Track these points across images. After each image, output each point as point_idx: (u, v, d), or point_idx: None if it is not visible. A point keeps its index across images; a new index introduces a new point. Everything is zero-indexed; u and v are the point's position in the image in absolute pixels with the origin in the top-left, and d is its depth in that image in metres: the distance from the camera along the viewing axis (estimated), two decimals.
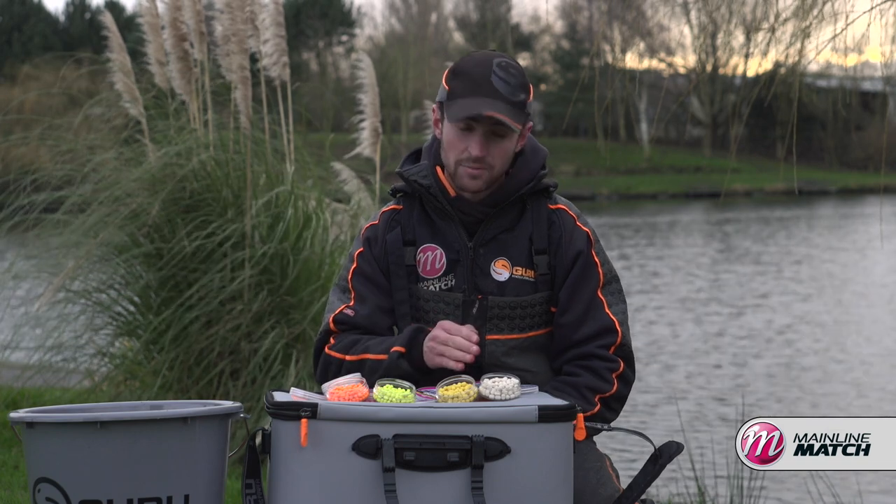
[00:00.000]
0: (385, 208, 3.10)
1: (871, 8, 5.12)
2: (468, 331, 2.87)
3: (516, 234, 3.01)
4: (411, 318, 3.01)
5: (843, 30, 5.16)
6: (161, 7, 6.85)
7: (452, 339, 2.85)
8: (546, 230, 3.00)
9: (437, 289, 3.00)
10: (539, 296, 2.99)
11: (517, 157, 3.03)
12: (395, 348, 2.91)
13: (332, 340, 3.02)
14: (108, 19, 7.06)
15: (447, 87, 2.97)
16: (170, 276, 6.31)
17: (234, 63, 6.47)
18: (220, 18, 6.53)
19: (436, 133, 3.04)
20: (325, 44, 56.50)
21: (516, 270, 3.00)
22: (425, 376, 2.88)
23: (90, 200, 6.63)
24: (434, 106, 3.03)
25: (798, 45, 5.29)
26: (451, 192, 3.00)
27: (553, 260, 3.00)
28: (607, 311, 2.99)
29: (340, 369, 2.95)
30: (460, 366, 2.83)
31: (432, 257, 3.01)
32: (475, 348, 2.85)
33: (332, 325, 3.02)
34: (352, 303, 3.03)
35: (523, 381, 2.82)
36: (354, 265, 3.05)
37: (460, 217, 3.00)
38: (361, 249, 3.06)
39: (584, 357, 2.97)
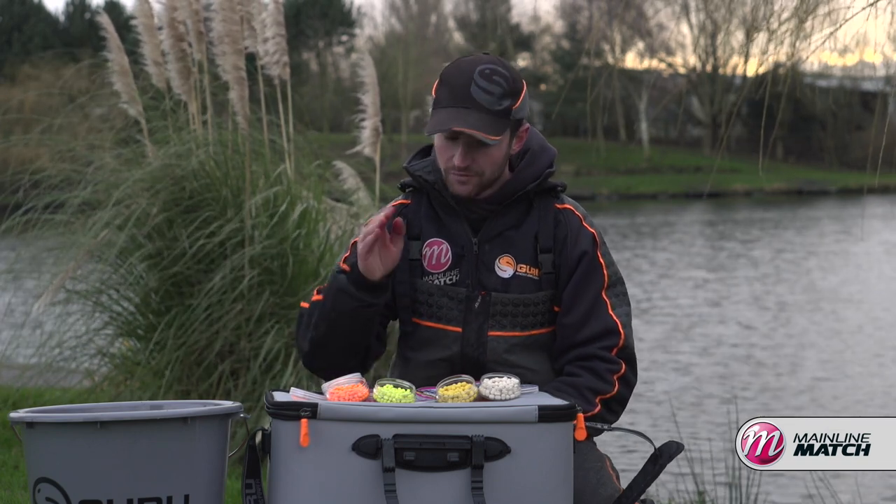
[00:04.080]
0: (394, 203, 3.10)
1: (867, 6, 5.12)
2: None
3: (522, 232, 3.01)
4: (412, 311, 3.01)
5: (837, 28, 5.16)
6: (158, 7, 6.86)
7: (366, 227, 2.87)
8: (552, 229, 3.01)
9: (442, 283, 3.00)
10: (542, 294, 2.99)
11: (524, 154, 3.03)
12: (341, 265, 2.93)
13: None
14: (105, 20, 7.06)
15: (434, 95, 2.98)
16: (170, 276, 6.31)
17: (229, 63, 6.47)
18: (215, 18, 6.54)
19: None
20: (325, 44, 56.44)
21: (521, 268, 3.00)
22: (368, 293, 2.87)
23: (91, 201, 6.63)
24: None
25: (788, 43, 5.29)
26: None
27: (558, 259, 3.00)
28: (610, 312, 2.98)
29: (301, 318, 2.99)
30: (369, 237, 2.83)
31: (438, 251, 3.02)
32: (381, 217, 2.84)
33: (315, 294, 3.03)
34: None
35: (524, 380, 2.82)
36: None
37: (465, 213, 3.01)
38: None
39: (585, 358, 2.97)
